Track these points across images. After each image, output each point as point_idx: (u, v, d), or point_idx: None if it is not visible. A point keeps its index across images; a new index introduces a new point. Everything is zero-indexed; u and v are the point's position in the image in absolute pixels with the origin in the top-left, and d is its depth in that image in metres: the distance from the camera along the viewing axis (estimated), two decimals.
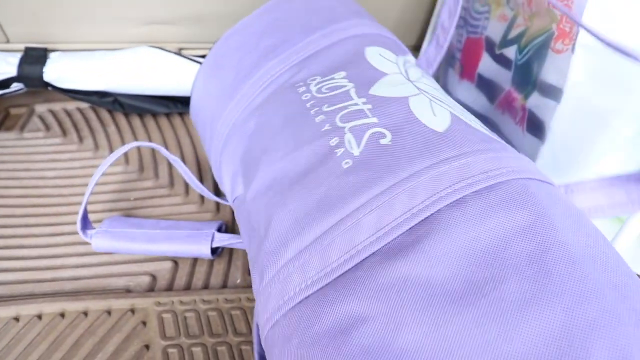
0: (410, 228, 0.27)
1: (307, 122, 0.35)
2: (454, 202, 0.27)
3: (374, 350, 0.24)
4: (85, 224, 0.47)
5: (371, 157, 0.31)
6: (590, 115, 0.45)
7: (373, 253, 0.27)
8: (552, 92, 0.45)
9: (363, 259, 0.27)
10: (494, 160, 0.30)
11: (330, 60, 0.40)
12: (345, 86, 0.37)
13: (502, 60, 0.52)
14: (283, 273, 0.29)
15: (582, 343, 0.22)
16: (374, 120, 0.33)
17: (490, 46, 0.54)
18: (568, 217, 0.27)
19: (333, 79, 0.38)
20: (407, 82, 0.37)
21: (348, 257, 0.27)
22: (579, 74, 0.43)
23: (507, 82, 0.52)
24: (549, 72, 0.45)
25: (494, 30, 0.53)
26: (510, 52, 0.51)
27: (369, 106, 0.34)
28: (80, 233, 0.46)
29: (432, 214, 0.27)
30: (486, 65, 0.55)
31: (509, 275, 0.24)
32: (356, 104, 0.35)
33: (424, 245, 0.26)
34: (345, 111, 0.35)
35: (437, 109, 0.34)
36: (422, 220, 0.27)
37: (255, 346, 0.35)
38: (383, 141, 0.32)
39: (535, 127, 0.49)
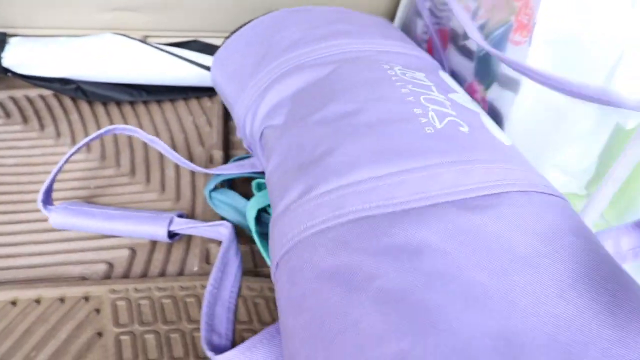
0: (485, 195, 0.30)
1: (393, 87, 0.38)
2: (522, 191, 0.31)
3: (440, 275, 0.25)
4: (47, 198, 0.47)
5: (451, 134, 0.34)
6: (547, 107, 0.45)
7: (448, 202, 0.29)
8: (511, 84, 0.46)
9: (436, 203, 0.29)
10: (545, 179, 0.34)
11: (409, 61, 0.45)
12: (426, 82, 0.40)
13: (465, 52, 0.52)
14: (342, 191, 0.30)
15: (622, 320, 0.24)
16: (454, 113, 0.36)
17: (454, 38, 0.54)
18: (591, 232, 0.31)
19: (415, 73, 0.42)
20: (475, 104, 0.41)
21: (420, 197, 0.29)
22: (535, 65, 0.44)
23: (470, 74, 0.52)
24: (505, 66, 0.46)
25: (458, 21, 0.54)
26: (473, 43, 0.51)
27: (449, 103, 0.38)
28: (41, 206, 0.46)
29: (504, 192, 0.30)
30: (451, 56, 0.56)
31: (565, 257, 0.27)
32: (437, 96, 0.38)
33: (499, 211, 0.29)
34: (429, 96, 0.38)
35: (501, 131, 0.39)
36: (495, 194, 0.30)
37: (204, 324, 0.35)
38: (462, 129, 0.35)
39: (495, 119, 0.49)
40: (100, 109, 0.64)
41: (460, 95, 0.41)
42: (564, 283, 0.26)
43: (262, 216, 0.46)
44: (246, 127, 0.44)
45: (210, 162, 0.57)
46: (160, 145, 0.51)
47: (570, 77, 0.38)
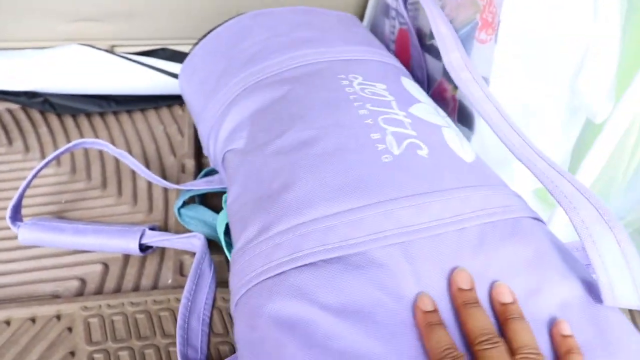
0: (437, 235, 0.30)
1: (350, 109, 0.37)
2: (476, 225, 0.31)
3: (393, 336, 0.26)
4: (16, 214, 0.47)
5: (409, 161, 0.34)
6: (516, 103, 0.46)
7: (402, 242, 0.30)
8: None
9: (387, 245, 0.29)
10: (509, 197, 0.34)
11: (370, 70, 0.44)
12: (386, 97, 0.40)
13: (432, 51, 0.52)
14: (298, 230, 0.30)
15: None
16: (414, 133, 0.36)
17: (421, 37, 0.54)
18: (556, 246, 0.32)
19: (375, 86, 0.41)
20: (438, 115, 0.41)
21: (375, 238, 0.30)
22: (502, 63, 0.44)
23: (439, 73, 0.52)
24: (475, 62, 0.46)
25: (424, 21, 0.54)
26: None
27: (409, 121, 0.38)
28: (9, 222, 0.45)
29: (458, 230, 0.31)
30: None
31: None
32: (397, 114, 0.38)
33: (449, 259, 0.29)
34: (388, 116, 0.37)
35: (464, 143, 0.39)
36: (448, 232, 0.30)
37: (179, 338, 0.34)
38: (420, 152, 0.35)
39: (465, 117, 0.49)
40: (69, 121, 0.63)
41: (422, 106, 0.41)
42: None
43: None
44: (210, 147, 0.44)
45: (182, 172, 0.57)
46: (129, 160, 0.50)
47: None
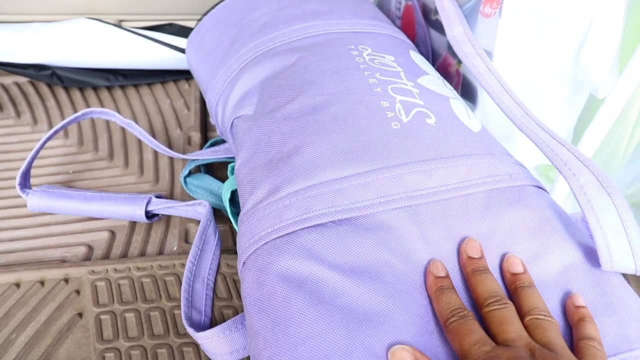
0: (444, 199, 0.31)
1: (360, 77, 0.38)
2: (482, 191, 0.32)
3: (400, 296, 0.27)
4: (25, 182, 0.47)
5: (417, 129, 0.35)
6: (521, 78, 0.46)
7: (409, 206, 0.31)
8: None
9: (395, 208, 0.30)
10: (514, 166, 0.35)
11: (379, 43, 0.45)
12: (395, 67, 0.41)
13: (437, 26, 0.52)
14: (309, 192, 0.31)
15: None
16: (421, 102, 0.37)
17: (426, 12, 0.54)
18: (558, 215, 0.33)
19: (384, 57, 0.42)
20: (446, 87, 0.42)
21: (384, 201, 0.31)
22: (506, 36, 0.44)
23: (444, 48, 0.53)
24: (479, 36, 0.46)
25: None
26: None
27: (417, 91, 0.39)
28: (18, 189, 0.46)
29: (464, 195, 0.32)
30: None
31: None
32: (406, 84, 0.39)
33: (454, 224, 0.30)
34: (397, 85, 0.38)
35: (470, 114, 0.39)
36: (455, 197, 0.32)
37: (184, 300, 0.35)
38: (428, 121, 0.36)
39: (469, 91, 0.50)
40: (77, 94, 0.64)
41: (430, 78, 0.42)
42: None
43: (237, 197, 0.46)
44: (218, 115, 0.44)
45: (188, 144, 0.57)
46: (136, 130, 0.51)
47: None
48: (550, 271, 0.30)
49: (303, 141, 0.34)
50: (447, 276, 0.28)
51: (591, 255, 0.31)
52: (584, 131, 0.44)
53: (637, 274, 0.31)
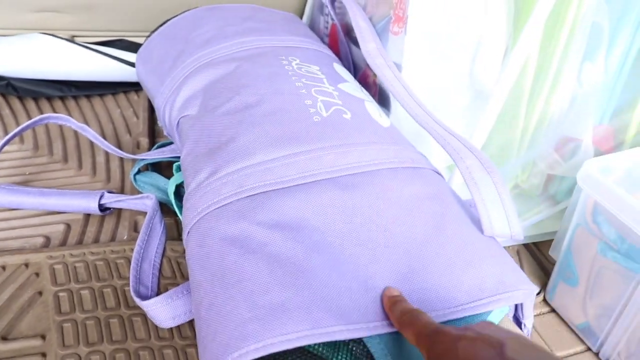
0: (356, 173, 0.38)
1: (288, 81, 0.46)
2: (389, 168, 0.39)
3: (316, 246, 0.33)
4: None
5: (335, 121, 0.42)
6: (427, 88, 0.54)
7: (327, 179, 0.37)
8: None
9: (318, 180, 0.37)
10: (416, 154, 0.43)
11: (307, 55, 0.52)
12: (319, 75, 0.48)
13: (357, 43, 0.60)
14: (242, 172, 0.37)
15: (458, 271, 0.34)
16: (340, 102, 0.44)
17: (349, 31, 0.62)
18: (454, 193, 0.40)
19: (310, 66, 0.50)
20: (362, 92, 0.50)
21: (306, 175, 0.37)
22: (412, 52, 0.52)
23: (363, 62, 0.60)
24: (390, 51, 0.54)
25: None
26: None
27: (337, 93, 0.46)
28: None
29: (374, 170, 0.39)
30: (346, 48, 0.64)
31: (419, 221, 0.36)
32: (327, 88, 0.46)
33: (367, 188, 0.37)
34: (319, 88, 0.46)
35: (382, 114, 0.47)
36: (366, 172, 0.38)
37: (132, 277, 0.41)
38: (345, 116, 0.43)
39: (384, 99, 0.57)
40: (31, 104, 0.69)
41: (349, 84, 0.49)
42: (415, 245, 0.35)
43: (181, 191, 0.52)
44: (165, 116, 0.50)
45: (137, 148, 0.63)
46: (90, 133, 0.56)
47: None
48: (452, 228, 0.36)
49: (238, 131, 0.40)
50: (400, 294, 0.32)
51: (477, 224, 0.38)
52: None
53: (511, 239, 0.38)
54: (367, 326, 0.30)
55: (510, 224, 0.38)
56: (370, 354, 0.30)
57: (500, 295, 0.34)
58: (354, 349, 0.30)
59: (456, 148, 0.41)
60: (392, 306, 0.30)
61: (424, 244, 0.35)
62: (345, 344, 0.30)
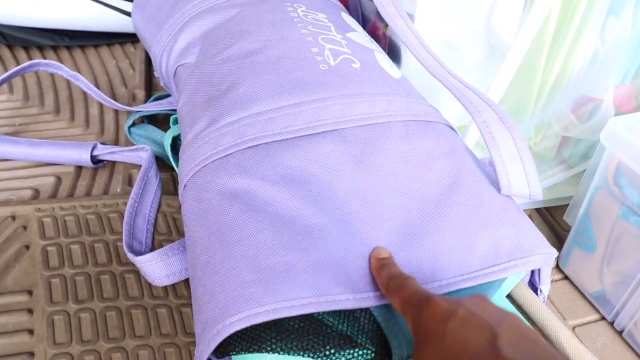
0: (367, 125, 0.35)
1: (293, 27, 0.42)
2: (401, 121, 0.36)
3: (323, 204, 0.31)
4: None
5: (344, 70, 0.39)
6: (440, 40, 0.51)
7: (335, 130, 0.34)
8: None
9: (325, 131, 0.34)
10: (429, 107, 0.40)
11: (313, 3, 0.49)
12: (326, 23, 0.45)
13: None
14: (244, 121, 0.35)
15: (472, 233, 0.31)
16: (348, 51, 0.41)
17: None
18: (469, 151, 0.37)
19: (316, 14, 0.46)
20: (371, 42, 0.46)
21: (312, 126, 0.34)
22: (427, 1, 0.49)
23: (373, 14, 0.57)
24: (403, 1, 0.51)
25: None
26: None
27: (345, 42, 0.43)
28: None
29: (384, 122, 0.36)
30: None
31: (432, 179, 0.33)
32: (335, 36, 0.43)
33: (378, 143, 0.34)
34: (326, 36, 0.42)
35: (392, 65, 0.44)
36: (376, 124, 0.36)
37: (125, 231, 0.38)
38: (354, 65, 0.40)
39: (394, 52, 0.54)
40: (21, 53, 0.65)
41: (358, 34, 0.46)
42: (428, 205, 0.32)
43: (178, 145, 0.50)
44: (162, 65, 0.47)
45: (133, 100, 0.60)
46: (82, 82, 0.53)
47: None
48: (468, 189, 0.34)
49: (239, 79, 0.37)
50: (390, 256, 0.29)
51: (494, 183, 0.35)
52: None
53: (530, 199, 0.36)
54: (376, 295, 0.28)
55: (529, 182, 0.35)
56: (378, 325, 0.28)
57: (517, 261, 0.31)
58: (361, 319, 0.28)
59: (473, 101, 0.38)
60: (380, 270, 0.28)
61: (437, 203, 0.33)
62: (351, 312, 0.28)
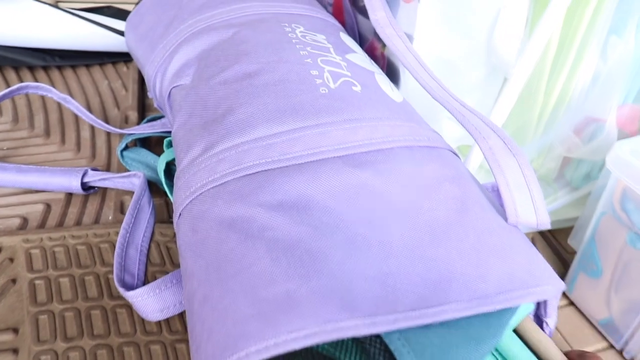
0: (369, 151, 0.34)
1: (292, 49, 0.41)
2: (405, 146, 0.35)
3: (326, 228, 0.29)
4: None
5: (344, 94, 0.37)
6: (438, 60, 0.50)
7: (337, 157, 0.33)
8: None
9: (326, 158, 0.33)
10: (432, 132, 0.38)
11: (312, 23, 0.48)
12: (325, 44, 0.44)
13: (364, 12, 0.56)
14: (241, 147, 0.33)
15: (484, 258, 0.29)
16: (348, 73, 0.40)
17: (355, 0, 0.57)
18: (473, 177, 0.36)
19: (315, 35, 0.45)
20: (371, 64, 0.45)
21: (311, 153, 0.33)
22: (425, 21, 0.48)
23: (370, 33, 0.56)
24: (401, 21, 0.49)
25: None
26: None
27: (345, 64, 0.41)
28: None
29: (387, 148, 0.34)
30: (352, 17, 0.59)
31: (439, 205, 0.31)
32: (334, 58, 0.42)
33: (381, 167, 0.33)
34: (325, 58, 0.41)
35: (393, 88, 0.43)
36: (379, 150, 0.34)
37: (116, 264, 0.37)
38: (355, 88, 0.38)
39: (392, 73, 0.53)
40: (11, 74, 0.64)
41: (357, 56, 0.45)
42: (436, 230, 0.30)
43: (172, 170, 0.48)
44: (156, 86, 0.46)
45: (125, 122, 0.58)
46: (73, 104, 0.52)
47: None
48: (475, 215, 0.32)
49: (236, 103, 0.36)
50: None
51: (498, 210, 0.34)
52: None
53: (537, 228, 0.34)
54: (386, 319, 0.26)
55: (537, 211, 0.34)
56: (390, 352, 0.26)
57: (532, 289, 0.30)
58: (370, 347, 0.26)
59: (477, 126, 0.37)
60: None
61: (446, 227, 0.31)
62: (359, 342, 0.26)
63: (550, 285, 0.31)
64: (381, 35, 0.47)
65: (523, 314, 0.33)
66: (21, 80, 0.63)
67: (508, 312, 0.30)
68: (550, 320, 0.34)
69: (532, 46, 0.43)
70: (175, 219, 0.34)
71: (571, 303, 0.47)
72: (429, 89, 0.42)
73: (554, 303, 0.33)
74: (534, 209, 0.34)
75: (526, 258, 0.31)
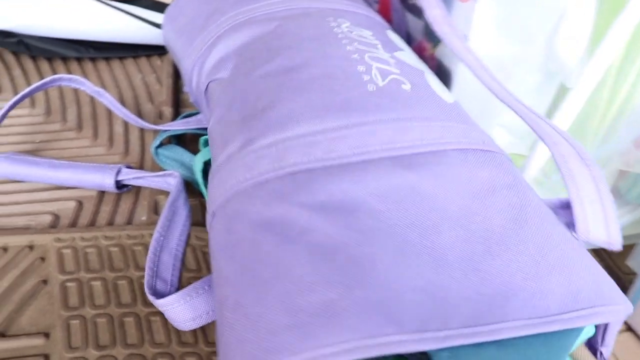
0: (420, 153, 0.31)
1: (338, 45, 0.39)
2: (458, 149, 0.32)
3: (373, 233, 0.26)
4: None
5: (393, 92, 0.35)
6: (493, 63, 0.47)
7: (385, 157, 0.30)
8: None
9: (373, 159, 0.30)
10: (486, 135, 0.35)
11: (357, 19, 0.45)
12: (372, 40, 0.41)
13: (414, 10, 0.53)
14: (282, 144, 0.31)
15: (545, 273, 0.26)
16: (397, 71, 0.37)
17: None
18: (530, 186, 0.33)
19: (362, 31, 0.42)
20: (421, 63, 0.42)
21: (358, 152, 0.30)
22: (482, 22, 0.45)
23: (420, 33, 0.53)
24: (455, 20, 0.47)
25: None
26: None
27: (393, 61, 0.39)
28: None
29: (439, 150, 0.31)
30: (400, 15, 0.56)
31: (495, 213, 0.29)
32: (382, 55, 0.39)
33: (433, 170, 0.30)
34: (373, 54, 0.38)
35: (444, 89, 0.40)
36: (430, 152, 0.31)
37: (148, 270, 0.35)
38: (404, 87, 0.36)
39: (444, 76, 0.50)
40: (44, 64, 0.62)
41: (406, 54, 0.42)
42: (492, 239, 0.27)
43: (209, 169, 0.46)
44: (193, 80, 0.44)
45: (159, 118, 0.57)
46: (107, 98, 0.50)
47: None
48: (535, 226, 0.29)
49: (278, 98, 0.34)
50: None
51: (562, 223, 0.31)
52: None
53: (609, 247, 0.31)
54: (436, 336, 0.23)
55: (608, 228, 0.31)
56: None
57: (599, 308, 0.27)
58: None
59: (548, 132, 0.34)
60: None
61: (502, 237, 0.28)
62: (403, 358, 0.24)
63: (619, 306, 0.28)
64: (438, 33, 0.45)
65: (584, 338, 0.30)
66: (54, 72, 0.62)
67: (572, 333, 0.27)
68: (606, 349, 0.31)
69: (600, 55, 0.40)
70: (208, 218, 0.32)
71: (629, 329, 0.44)
72: (493, 89, 0.39)
73: (616, 328, 0.30)
74: (606, 226, 0.31)
75: (592, 275, 0.28)
